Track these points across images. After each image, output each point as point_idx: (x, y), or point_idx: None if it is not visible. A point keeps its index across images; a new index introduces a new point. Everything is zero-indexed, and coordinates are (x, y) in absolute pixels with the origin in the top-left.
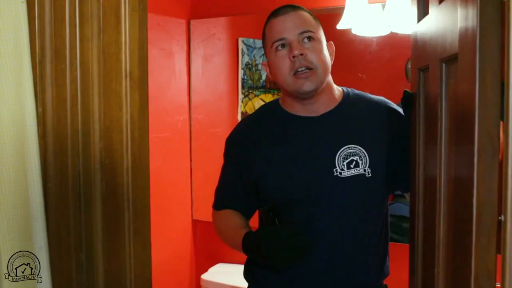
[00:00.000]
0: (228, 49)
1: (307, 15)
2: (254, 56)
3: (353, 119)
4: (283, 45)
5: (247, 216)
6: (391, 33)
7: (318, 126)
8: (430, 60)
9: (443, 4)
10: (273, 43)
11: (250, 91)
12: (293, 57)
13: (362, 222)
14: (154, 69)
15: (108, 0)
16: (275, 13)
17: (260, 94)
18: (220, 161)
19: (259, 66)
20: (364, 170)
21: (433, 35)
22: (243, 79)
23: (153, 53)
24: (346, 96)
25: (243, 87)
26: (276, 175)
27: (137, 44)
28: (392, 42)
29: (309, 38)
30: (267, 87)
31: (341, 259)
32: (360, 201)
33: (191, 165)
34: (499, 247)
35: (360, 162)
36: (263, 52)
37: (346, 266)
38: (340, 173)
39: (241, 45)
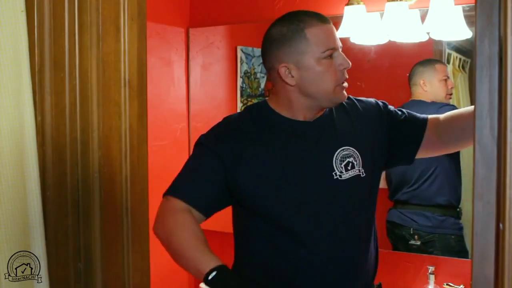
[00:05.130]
0: (227, 58)
1: None
2: (252, 64)
3: (342, 121)
4: (331, 55)
5: (205, 214)
6: (390, 41)
7: (313, 130)
8: None
9: None
10: (326, 50)
11: (249, 99)
12: (344, 68)
13: (360, 224)
14: (153, 78)
15: (107, 9)
16: (318, 17)
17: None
18: None
19: (258, 75)
20: (359, 171)
21: None
22: (241, 87)
23: (152, 62)
24: None
25: (241, 96)
26: (268, 180)
27: (136, 53)
28: (391, 50)
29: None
30: (265, 95)
31: (343, 264)
32: (358, 203)
33: None
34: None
35: (355, 163)
36: (261, 61)
37: (347, 271)
38: (340, 176)
39: (240, 54)
